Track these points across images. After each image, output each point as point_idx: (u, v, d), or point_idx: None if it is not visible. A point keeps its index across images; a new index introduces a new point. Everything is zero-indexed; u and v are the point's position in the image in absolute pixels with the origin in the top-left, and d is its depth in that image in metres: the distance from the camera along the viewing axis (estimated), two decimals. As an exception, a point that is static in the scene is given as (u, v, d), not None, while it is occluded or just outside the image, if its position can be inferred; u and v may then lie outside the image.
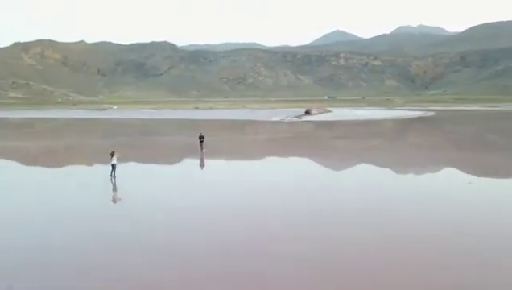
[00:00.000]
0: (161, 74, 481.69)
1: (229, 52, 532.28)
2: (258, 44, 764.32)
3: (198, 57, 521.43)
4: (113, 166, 26.60)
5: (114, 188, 24.80)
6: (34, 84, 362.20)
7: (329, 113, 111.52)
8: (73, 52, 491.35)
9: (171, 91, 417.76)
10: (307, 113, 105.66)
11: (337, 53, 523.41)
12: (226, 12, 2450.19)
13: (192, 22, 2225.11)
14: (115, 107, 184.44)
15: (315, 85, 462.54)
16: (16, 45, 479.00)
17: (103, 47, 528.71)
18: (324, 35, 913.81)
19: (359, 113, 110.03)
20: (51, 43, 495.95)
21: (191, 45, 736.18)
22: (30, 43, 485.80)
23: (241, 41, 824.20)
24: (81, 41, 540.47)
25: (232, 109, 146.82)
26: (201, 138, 37.98)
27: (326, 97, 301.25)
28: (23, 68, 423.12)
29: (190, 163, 35.14)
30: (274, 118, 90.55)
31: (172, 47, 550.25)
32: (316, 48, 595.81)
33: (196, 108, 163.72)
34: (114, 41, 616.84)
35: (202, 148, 37.41)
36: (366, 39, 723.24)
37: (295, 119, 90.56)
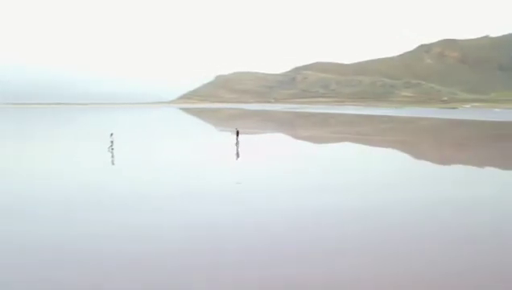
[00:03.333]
0: None
1: None
2: None
3: None
4: None
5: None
6: (424, 84, 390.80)
7: None
8: (473, 49, 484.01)
9: None
10: None
11: None
12: None
13: None
14: (468, 106, 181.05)
15: None
16: (421, 47, 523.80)
17: (507, 41, 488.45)
18: None
19: None
20: (451, 42, 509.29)
21: None
22: (432, 44, 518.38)
23: None
24: (485, 36, 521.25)
25: None
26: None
27: None
28: (422, 68, 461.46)
29: None
30: None
31: None
32: None
33: None
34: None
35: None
36: None
37: None
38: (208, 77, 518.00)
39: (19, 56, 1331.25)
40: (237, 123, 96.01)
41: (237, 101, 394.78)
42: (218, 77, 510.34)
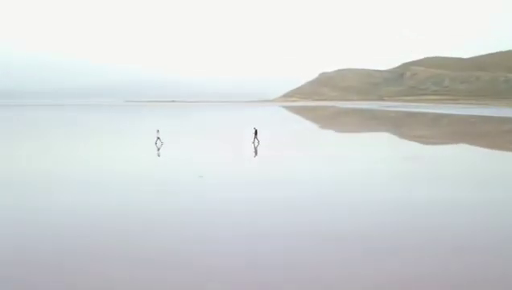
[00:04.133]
0: None
1: None
2: None
3: None
4: None
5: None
6: None
7: None
8: None
9: None
10: None
11: None
12: None
13: None
14: None
15: None
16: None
17: None
18: None
19: None
20: None
21: None
22: None
23: None
24: None
25: None
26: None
27: None
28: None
29: None
30: None
31: None
32: None
33: None
34: None
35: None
36: None
37: None
38: (312, 75, 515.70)
39: (144, 61, 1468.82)
40: (338, 121, 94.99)
41: (340, 99, 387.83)
42: (321, 75, 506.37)
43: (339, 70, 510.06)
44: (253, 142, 38.81)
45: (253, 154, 34.01)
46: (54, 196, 19.36)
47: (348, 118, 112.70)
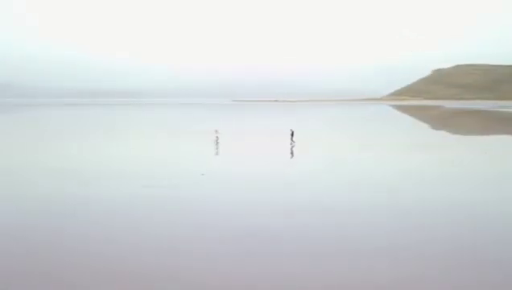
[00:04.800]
0: None
1: None
2: None
3: None
4: None
5: None
6: None
7: None
8: None
9: None
10: None
11: None
12: None
13: None
14: None
15: None
16: None
17: None
18: None
19: None
20: None
21: None
22: None
23: None
24: None
25: None
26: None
27: None
28: None
29: None
30: None
31: None
32: None
33: None
34: None
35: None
36: None
37: None
38: (424, 72, 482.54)
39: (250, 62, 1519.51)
40: (452, 122, 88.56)
41: (455, 98, 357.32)
42: (436, 72, 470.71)
43: (457, 66, 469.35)
44: (290, 144, 39.26)
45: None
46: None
47: (464, 118, 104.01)
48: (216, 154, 36.06)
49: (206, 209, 18.26)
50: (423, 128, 74.91)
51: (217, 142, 40.39)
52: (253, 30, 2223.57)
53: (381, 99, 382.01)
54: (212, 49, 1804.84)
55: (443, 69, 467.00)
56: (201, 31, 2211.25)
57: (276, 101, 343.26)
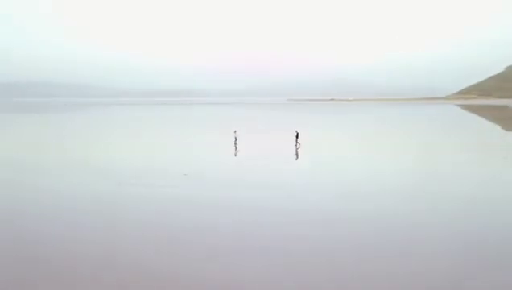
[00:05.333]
0: None
1: None
2: None
3: None
4: None
5: None
6: None
7: None
8: None
9: None
10: None
11: None
12: None
13: None
14: None
15: None
16: None
17: None
18: None
19: None
20: None
21: None
22: None
23: None
24: None
25: None
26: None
27: None
28: None
29: None
30: None
31: None
32: None
33: None
34: None
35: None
36: None
37: None
38: (497, 68, 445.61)
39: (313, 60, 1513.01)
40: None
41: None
42: (510, 68, 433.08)
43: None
44: (296, 146, 38.74)
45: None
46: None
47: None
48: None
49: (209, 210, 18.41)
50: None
51: (236, 143, 40.07)
52: (312, 26, 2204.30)
53: (446, 98, 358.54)
54: (262, 46, 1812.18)
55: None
56: (252, 31, 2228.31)
57: (332, 99, 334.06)
